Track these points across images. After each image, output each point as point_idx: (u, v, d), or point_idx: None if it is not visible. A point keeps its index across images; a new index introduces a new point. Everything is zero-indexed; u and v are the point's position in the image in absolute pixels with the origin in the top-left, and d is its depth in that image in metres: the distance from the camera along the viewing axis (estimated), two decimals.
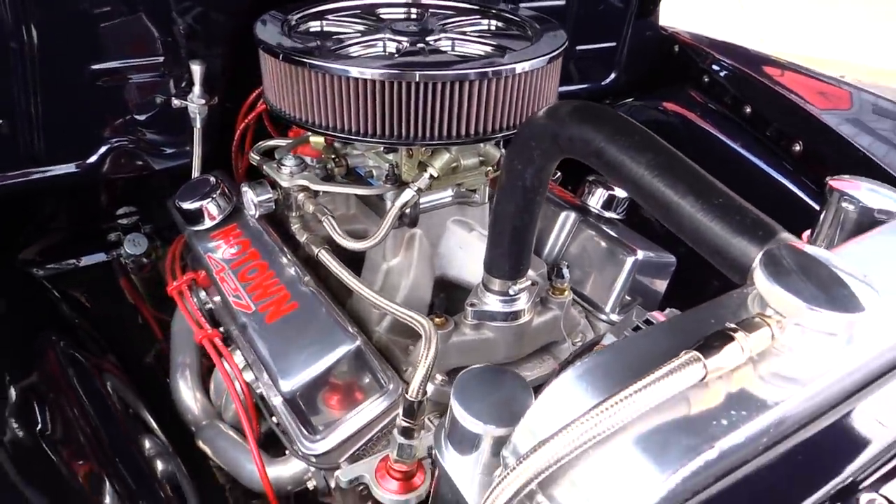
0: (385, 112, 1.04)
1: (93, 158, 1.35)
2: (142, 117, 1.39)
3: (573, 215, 1.34)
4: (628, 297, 1.28)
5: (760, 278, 0.52)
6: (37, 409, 0.92)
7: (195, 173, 1.45)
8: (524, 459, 0.48)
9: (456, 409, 0.59)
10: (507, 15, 1.28)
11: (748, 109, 1.65)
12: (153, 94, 1.37)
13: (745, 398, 0.49)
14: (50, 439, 0.89)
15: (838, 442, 0.53)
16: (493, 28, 1.28)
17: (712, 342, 0.48)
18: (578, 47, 1.83)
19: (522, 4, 1.65)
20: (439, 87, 1.01)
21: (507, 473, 0.49)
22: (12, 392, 0.91)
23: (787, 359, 0.52)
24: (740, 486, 0.47)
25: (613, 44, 1.88)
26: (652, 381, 0.45)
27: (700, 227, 0.71)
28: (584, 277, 1.30)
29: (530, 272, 1.24)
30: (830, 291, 0.51)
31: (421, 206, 1.20)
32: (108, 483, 0.88)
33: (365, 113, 1.04)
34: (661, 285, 1.32)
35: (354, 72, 1.00)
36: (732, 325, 0.50)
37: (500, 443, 0.59)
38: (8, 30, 1.16)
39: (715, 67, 1.77)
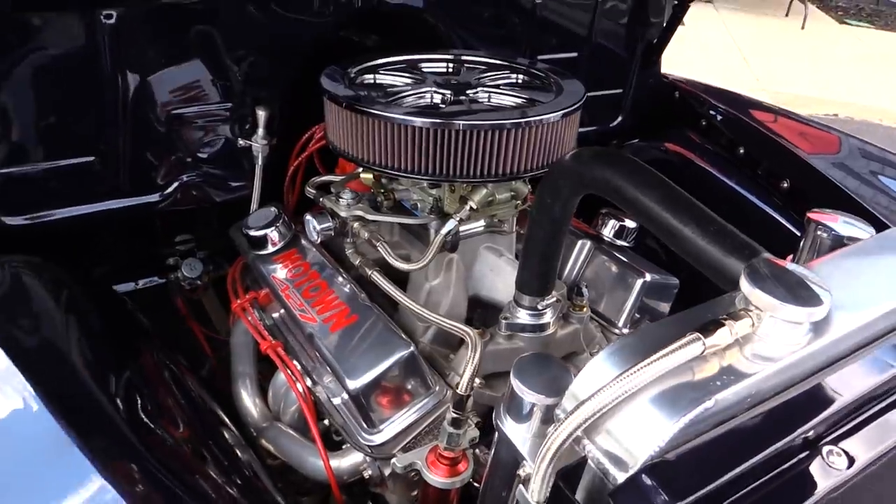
0: (434, 154, 1.23)
1: (167, 191, 1.55)
2: (209, 155, 1.59)
3: (588, 243, 1.53)
4: (637, 315, 1.47)
5: (744, 282, 0.70)
6: (140, 400, 1.09)
7: (254, 206, 1.64)
8: (572, 413, 0.66)
9: (516, 385, 0.77)
10: (532, 70, 1.48)
11: (741, 150, 1.85)
12: (220, 135, 1.57)
13: (733, 369, 0.67)
14: (158, 422, 1.06)
15: (804, 406, 0.71)
16: (520, 81, 1.48)
17: (709, 327, 0.66)
18: (589, 94, 2.04)
19: (540, 57, 1.87)
20: (480, 133, 1.21)
21: (560, 424, 0.67)
22: (122, 385, 1.08)
23: (763, 342, 0.70)
24: (730, 433, 0.66)
25: (620, 90, 2.09)
26: (665, 353, 0.64)
27: (699, 249, 0.90)
28: (599, 297, 1.49)
29: (553, 291, 1.43)
30: (796, 292, 0.70)
31: (462, 235, 1.40)
32: (208, 457, 1.05)
33: (417, 154, 1.23)
34: (665, 305, 1.50)
35: (409, 120, 1.20)
36: (724, 316, 0.68)
37: (548, 411, 0.78)
38: (106, 80, 1.36)
39: (711, 112, 1.97)
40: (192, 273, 1.87)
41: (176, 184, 1.56)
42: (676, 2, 1.93)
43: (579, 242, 1.54)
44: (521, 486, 0.75)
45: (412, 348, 1.20)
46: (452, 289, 1.41)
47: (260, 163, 1.58)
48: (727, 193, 1.83)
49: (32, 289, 1.25)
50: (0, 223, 1.38)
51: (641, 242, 1.62)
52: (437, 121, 1.21)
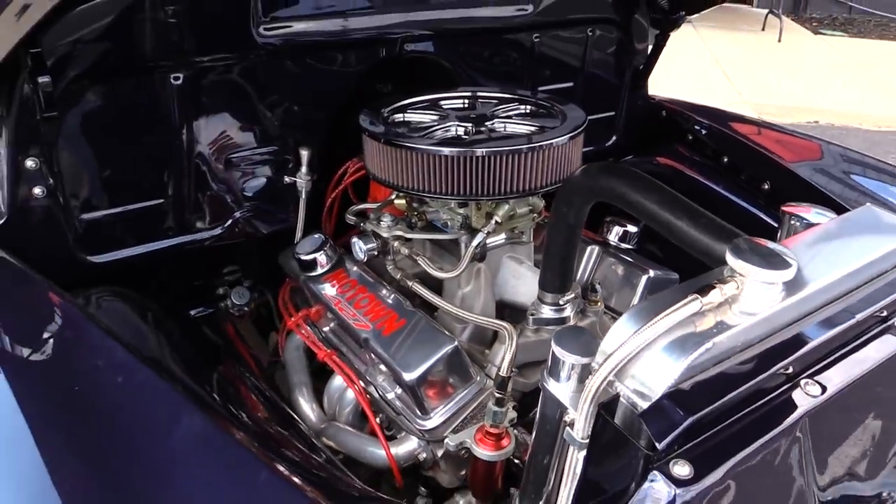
0: (462, 177, 1.45)
1: (225, 226, 1.76)
2: (258, 192, 1.80)
3: (597, 248, 1.75)
4: None
5: (729, 256, 0.91)
6: (229, 397, 1.29)
7: (298, 234, 1.85)
8: (604, 363, 0.87)
9: (557, 351, 0.97)
10: (538, 101, 1.71)
11: (726, 159, 2.08)
12: (267, 175, 1.79)
13: (725, 322, 0.88)
14: (249, 414, 1.26)
15: (784, 349, 0.91)
16: (528, 111, 1.71)
17: (704, 290, 0.87)
18: None
19: (540, 88, 2.10)
20: (500, 158, 1.43)
21: (596, 373, 0.87)
22: (214, 386, 1.28)
23: (747, 301, 0.91)
24: (727, 370, 0.86)
25: (613, 113, 2.32)
26: (672, 310, 0.84)
27: (692, 237, 1.12)
28: (610, 294, 1.70)
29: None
30: (769, 260, 0.91)
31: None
32: (294, 443, 1.24)
33: (448, 178, 1.45)
34: None
35: (440, 150, 1.42)
36: (715, 281, 0.89)
37: (584, 370, 0.98)
38: (174, 132, 1.59)
39: (696, 127, 2.21)
40: (240, 300, 2.07)
41: (231, 219, 1.77)
42: (658, 32, 2.17)
43: (588, 248, 1.75)
44: (567, 429, 0.95)
45: (456, 343, 1.40)
46: (483, 294, 1.61)
47: (304, 196, 1.80)
48: (715, 197, 2.04)
49: (123, 312, 1.45)
50: (87, 261, 1.58)
51: (643, 246, 1.84)
52: (464, 149, 1.43)
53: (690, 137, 2.22)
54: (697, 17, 8.99)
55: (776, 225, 1.89)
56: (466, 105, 1.75)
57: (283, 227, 1.88)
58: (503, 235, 1.64)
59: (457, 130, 1.57)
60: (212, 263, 2.05)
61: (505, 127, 1.60)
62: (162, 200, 1.65)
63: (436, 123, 1.60)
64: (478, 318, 1.45)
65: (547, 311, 1.49)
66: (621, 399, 0.86)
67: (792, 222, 1.36)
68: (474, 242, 1.50)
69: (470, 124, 1.57)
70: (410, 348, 1.41)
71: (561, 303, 1.47)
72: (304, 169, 1.77)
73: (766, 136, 2.15)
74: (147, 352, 1.32)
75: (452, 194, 1.47)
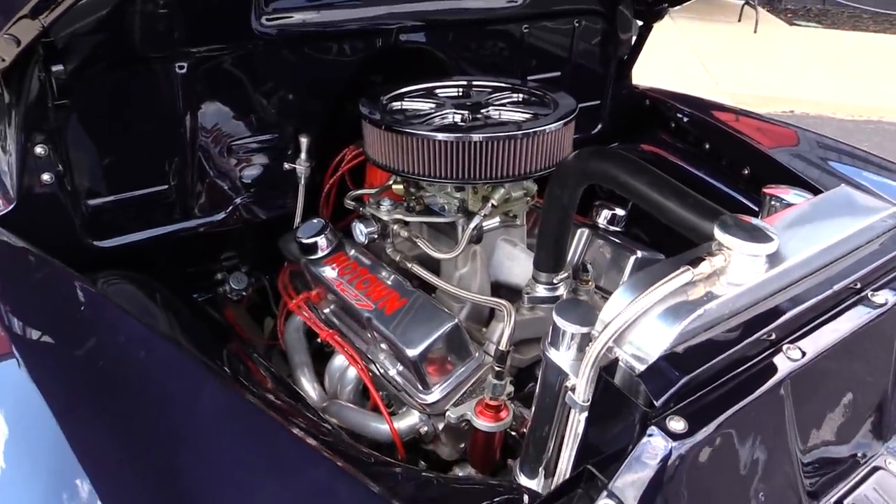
0: (460, 162, 1.51)
1: (227, 211, 1.81)
2: (258, 178, 1.85)
3: (587, 231, 1.82)
4: None
5: (717, 231, 0.99)
6: (240, 372, 1.34)
7: (297, 220, 1.90)
8: (604, 330, 0.94)
9: (558, 321, 1.04)
10: (530, 89, 1.78)
11: (707, 146, 2.16)
12: (267, 161, 1.84)
13: (714, 293, 0.95)
14: (259, 387, 1.31)
15: (768, 316, 0.99)
16: (521, 99, 1.77)
17: (695, 261, 0.95)
18: None
19: (528, 77, 2.17)
20: (498, 143, 1.49)
21: (596, 339, 0.94)
22: (225, 361, 1.34)
23: (734, 273, 0.98)
24: (717, 335, 0.94)
25: (598, 102, 2.39)
26: (665, 280, 0.92)
27: (680, 216, 1.19)
28: (600, 274, 1.77)
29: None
30: (753, 235, 0.98)
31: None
32: (305, 413, 1.30)
33: (446, 163, 1.51)
34: None
35: (439, 136, 1.48)
36: (704, 254, 0.97)
37: (583, 339, 1.05)
38: (178, 119, 1.63)
39: (679, 115, 2.29)
40: (239, 285, 2.12)
41: (232, 205, 1.82)
42: (642, 23, 2.24)
43: (579, 230, 1.82)
44: (568, 393, 1.02)
45: (456, 320, 1.46)
46: (479, 274, 1.68)
47: (303, 182, 1.85)
48: (697, 182, 2.12)
49: (133, 293, 1.50)
50: (93, 246, 1.62)
51: (629, 229, 1.92)
52: (461, 135, 1.49)
53: (673, 125, 2.30)
54: (675, 9, 9.13)
55: (755, 208, 1.99)
56: (462, 93, 1.81)
57: (281, 212, 1.93)
58: (497, 218, 1.71)
59: (453, 117, 1.63)
60: (212, 249, 2.09)
61: (500, 114, 1.66)
62: (166, 187, 1.69)
63: (433, 111, 1.66)
64: (476, 296, 1.52)
65: (541, 290, 1.56)
66: (620, 363, 0.93)
67: (772, 203, 1.44)
68: (471, 225, 1.57)
69: (466, 111, 1.63)
70: (412, 326, 1.47)
71: (555, 282, 1.54)
72: (303, 156, 1.82)
73: (745, 123, 2.23)
74: (161, 328, 1.37)
75: (450, 178, 1.53)
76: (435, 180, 1.54)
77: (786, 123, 2.27)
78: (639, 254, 1.72)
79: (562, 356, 1.07)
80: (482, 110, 1.65)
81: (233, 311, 2.18)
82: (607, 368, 0.93)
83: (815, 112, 6.71)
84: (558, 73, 2.24)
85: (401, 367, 1.53)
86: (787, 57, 8.27)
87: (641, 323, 0.93)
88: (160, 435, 1.01)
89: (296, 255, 1.79)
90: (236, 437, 1.00)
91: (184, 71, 1.58)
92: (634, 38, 2.30)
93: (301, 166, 1.83)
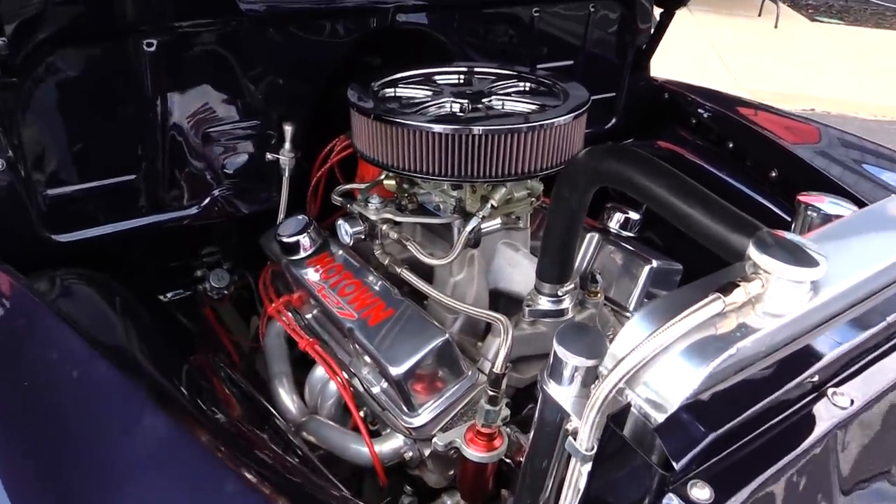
0: (457, 157, 1.35)
1: (203, 204, 1.65)
2: (239, 169, 1.69)
3: (597, 236, 1.65)
4: (646, 300, 1.59)
5: (753, 251, 0.82)
6: (199, 390, 1.19)
7: (281, 215, 1.75)
8: (614, 369, 0.78)
9: (559, 351, 0.88)
10: (538, 77, 1.61)
11: (730, 144, 1.98)
12: (249, 151, 1.68)
13: (748, 325, 0.79)
14: (219, 408, 1.16)
15: (810, 355, 0.83)
16: (528, 88, 1.61)
17: (727, 288, 0.78)
18: None
19: (539, 66, 2.00)
20: (500, 137, 1.32)
21: (604, 379, 0.78)
22: (184, 377, 1.18)
23: (772, 301, 0.82)
24: (750, 378, 0.77)
25: (613, 94, 2.22)
26: (691, 311, 0.75)
27: (707, 228, 1.02)
28: (610, 284, 1.60)
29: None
30: (797, 257, 0.82)
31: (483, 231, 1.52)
32: (266, 439, 1.15)
33: (441, 158, 1.35)
34: (671, 289, 1.63)
35: (433, 128, 1.32)
36: (738, 279, 0.80)
37: (588, 373, 0.89)
38: (147, 103, 1.47)
39: (700, 111, 2.11)
40: (219, 283, 1.97)
41: (209, 197, 1.66)
42: (662, 10, 2.06)
43: (588, 235, 1.66)
44: (569, 438, 0.86)
45: (447, 335, 1.31)
46: (476, 282, 1.52)
47: (287, 174, 1.69)
48: (719, 184, 1.95)
49: (88, 296, 1.35)
50: (52, 241, 1.47)
51: (642, 234, 1.75)
52: (459, 127, 1.32)
53: (693, 121, 2.13)
54: (694, 1, 8.90)
55: (784, 215, 1.81)
56: (462, 81, 1.65)
57: (266, 206, 1.78)
58: (498, 221, 1.55)
59: (451, 107, 1.46)
60: (189, 244, 1.94)
61: (503, 104, 1.49)
62: (134, 176, 1.53)
63: (429, 99, 1.49)
64: (470, 308, 1.35)
65: (544, 303, 1.40)
66: (632, 409, 0.77)
67: (808, 213, 1.27)
68: (468, 227, 1.41)
69: (466, 101, 1.47)
70: (398, 340, 1.31)
71: (559, 294, 1.38)
72: (287, 145, 1.66)
73: (772, 120, 2.06)
74: (112, 340, 1.21)
75: (445, 175, 1.37)
76: (427, 177, 1.38)
77: (815, 121, 2.09)
78: (654, 263, 1.56)
79: (563, 392, 0.91)
80: (483, 100, 1.48)
81: (216, 309, 2.03)
82: (616, 417, 0.77)
83: (836, 111, 6.48)
84: (570, 62, 2.07)
85: (385, 385, 1.37)
86: (809, 53, 8.03)
87: (661, 361, 0.77)
88: (85, 470, 0.86)
89: (277, 254, 1.64)
90: (172, 477, 0.85)
91: (153, 49, 1.41)
92: (653, 27, 2.12)
93: (285, 157, 1.67)
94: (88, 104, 1.42)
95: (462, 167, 1.35)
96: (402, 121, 1.34)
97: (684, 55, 6.93)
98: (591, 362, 0.88)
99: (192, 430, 0.91)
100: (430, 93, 1.54)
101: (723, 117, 2.06)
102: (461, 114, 1.45)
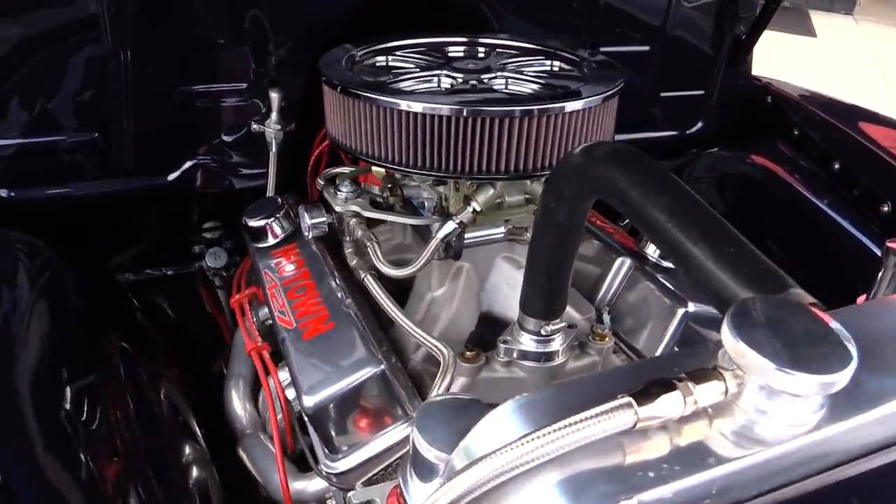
0: (431, 145, 1.06)
1: (177, 173, 1.46)
2: (226, 138, 1.49)
3: (628, 262, 1.31)
4: (677, 349, 1.23)
5: (726, 329, 0.49)
6: (85, 407, 0.98)
7: (269, 195, 1.52)
8: (452, 479, 0.48)
9: (416, 436, 0.59)
10: (569, 55, 1.28)
11: (836, 165, 1.55)
12: (236, 118, 1.47)
13: (688, 452, 0.46)
14: (90, 436, 0.94)
15: None
16: (554, 69, 1.28)
17: (651, 389, 0.46)
18: (663, 94, 1.80)
19: (604, 49, 1.65)
20: (487, 122, 1.02)
21: (438, 489, 0.48)
22: (67, 390, 0.98)
23: (749, 416, 0.49)
24: None
25: (701, 91, 1.83)
26: (576, 421, 0.44)
27: (708, 274, 0.69)
28: (635, 326, 1.26)
29: (575, 315, 1.22)
30: (801, 349, 0.48)
31: (471, 241, 1.23)
32: (132, 487, 0.93)
33: (412, 145, 1.07)
34: (717, 336, 1.26)
35: (402, 104, 1.04)
36: (681, 375, 0.47)
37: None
38: (107, 52, 1.29)
39: (805, 121, 1.68)
40: (215, 263, 1.79)
41: (186, 166, 1.47)
42: None
43: (618, 261, 1.31)
44: None
45: (382, 367, 1.02)
46: (457, 302, 1.23)
47: (274, 149, 1.47)
48: (813, 213, 1.54)
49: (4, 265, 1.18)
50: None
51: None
52: (433, 105, 1.03)
53: (797, 132, 1.70)
54: (859, 11, 7.91)
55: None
56: (483, 54, 1.35)
57: (260, 183, 1.56)
58: (501, 229, 1.25)
59: (441, 82, 1.17)
60: (187, 217, 1.77)
61: (507, 84, 1.18)
62: (95, 135, 1.36)
63: (417, 71, 1.21)
64: (415, 331, 1.06)
65: (526, 341, 1.08)
66: None
67: None
68: (439, 234, 1.12)
69: (462, 75, 1.17)
70: (322, 364, 1.05)
71: (544, 332, 1.06)
72: (274, 115, 1.44)
73: None
74: None
75: (413, 166, 1.08)
76: (389, 166, 1.10)
77: None
78: (691, 307, 1.20)
79: (426, 493, 0.61)
80: (486, 76, 1.18)
81: (212, 290, 1.86)
82: None
83: None
84: (647, 48, 1.71)
85: None
86: None
87: (519, 488, 0.46)
88: None
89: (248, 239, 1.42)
90: None
91: None
92: (757, 12, 1.71)
93: (271, 129, 1.44)
94: (41, 49, 1.26)
95: (437, 159, 1.07)
96: (364, 93, 1.06)
97: (838, 67, 6.16)
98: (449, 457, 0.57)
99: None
100: (428, 65, 1.25)
101: (831, 131, 1.62)
102: (446, 89, 1.16)
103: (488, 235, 1.25)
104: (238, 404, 1.39)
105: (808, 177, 1.63)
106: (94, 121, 1.35)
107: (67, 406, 0.96)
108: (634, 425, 0.45)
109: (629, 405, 0.45)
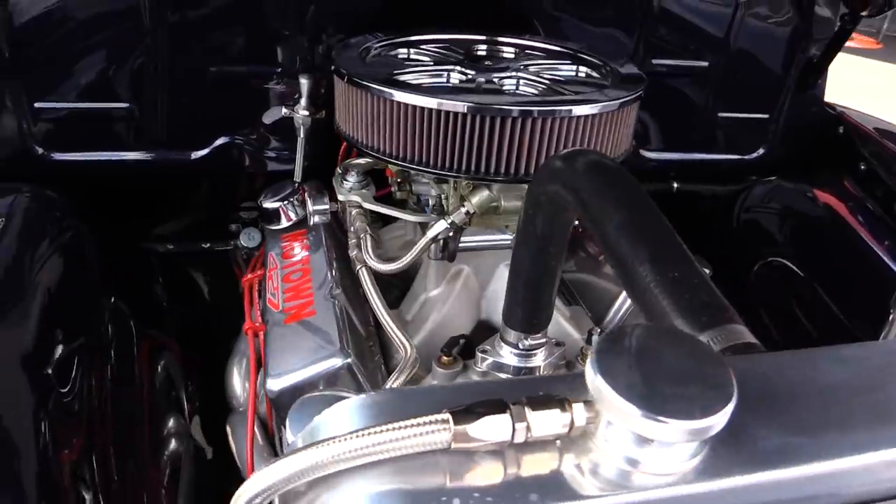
0: (429, 140, 1.03)
1: (208, 150, 1.49)
2: (255, 120, 1.51)
3: None
4: None
5: (590, 358, 0.44)
6: (58, 365, 1.00)
7: (297, 178, 1.53)
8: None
9: (286, 429, 0.56)
10: (595, 61, 1.22)
11: None
12: (267, 101, 1.48)
13: (517, 485, 0.41)
14: (60, 402, 0.96)
15: None
16: (583, 75, 1.23)
17: (477, 408, 0.41)
18: (721, 114, 1.69)
19: (655, 61, 1.57)
20: (476, 121, 0.98)
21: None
22: (45, 346, 0.99)
23: (599, 456, 0.43)
24: None
25: (766, 115, 1.71)
26: (381, 430, 0.40)
27: (648, 300, 0.63)
28: None
29: (573, 332, 1.17)
30: (666, 388, 0.42)
31: (475, 244, 1.19)
32: (89, 450, 0.94)
33: (409, 139, 1.04)
34: None
35: (397, 96, 1.01)
36: (521, 399, 0.42)
37: None
38: (145, 29, 1.33)
39: (874, 154, 1.54)
40: (249, 243, 1.80)
41: (218, 143, 1.50)
42: (847, 11, 1.52)
43: None
44: None
45: (348, 360, 1.00)
46: (449, 304, 1.19)
47: (302, 135, 1.46)
48: (868, 260, 1.40)
49: (23, 218, 1.23)
50: (39, 157, 1.39)
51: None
52: (430, 99, 1.00)
53: (864, 167, 1.56)
54: None
55: None
56: (510, 54, 1.30)
57: (291, 167, 1.58)
58: (508, 235, 1.20)
59: (449, 78, 1.14)
60: (218, 193, 1.80)
61: (518, 85, 1.13)
62: (129, 105, 1.41)
63: (431, 65, 1.18)
64: (388, 322, 1.04)
65: (506, 354, 1.03)
66: None
67: None
68: (430, 233, 1.09)
69: (474, 73, 1.13)
70: (294, 350, 1.04)
71: (521, 346, 1.01)
72: (303, 101, 1.44)
73: None
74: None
75: (410, 161, 1.06)
76: (385, 160, 1.08)
77: None
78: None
79: None
80: (497, 75, 1.13)
81: (243, 269, 1.89)
82: None
83: None
84: (705, 64, 1.61)
85: None
86: None
87: (332, 493, 0.43)
88: None
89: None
90: None
91: None
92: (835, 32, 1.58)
93: (299, 114, 1.45)
94: (83, 20, 1.31)
95: (434, 156, 1.04)
96: (361, 82, 1.05)
97: None
98: None
99: None
100: (443, 60, 1.22)
101: None
102: (452, 84, 1.12)
103: (493, 241, 1.21)
104: (237, 381, 1.40)
105: (870, 219, 1.49)
106: (131, 92, 1.39)
107: (38, 361, 0.97)
108: (449, 445, 0.40)
109: (445, 422, 0.40)
